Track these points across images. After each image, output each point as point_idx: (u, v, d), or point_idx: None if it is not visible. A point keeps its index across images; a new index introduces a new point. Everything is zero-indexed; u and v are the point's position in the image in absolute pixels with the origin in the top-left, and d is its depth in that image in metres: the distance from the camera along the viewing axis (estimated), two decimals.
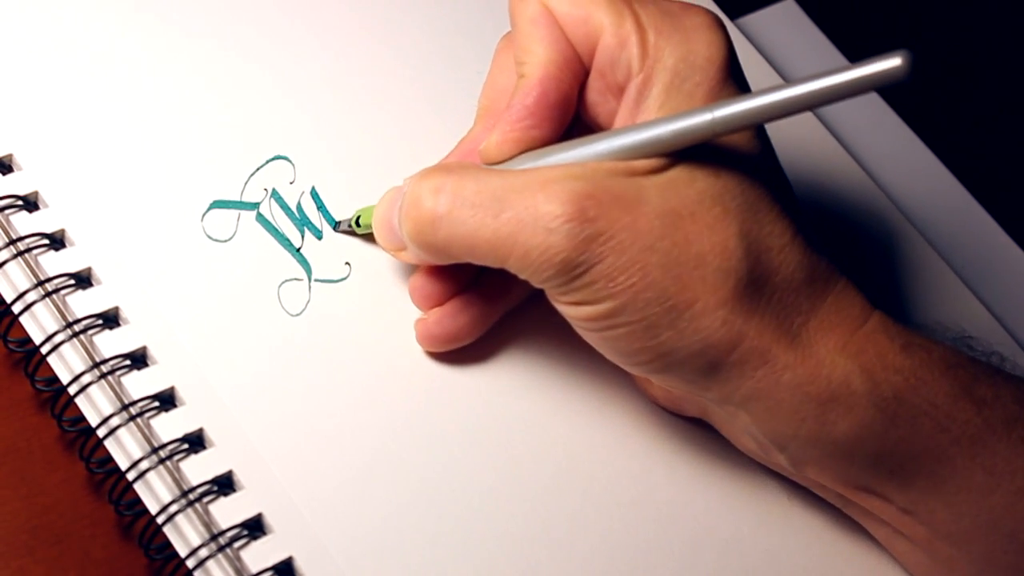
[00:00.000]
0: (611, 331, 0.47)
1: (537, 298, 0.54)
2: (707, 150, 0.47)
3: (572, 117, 0.50)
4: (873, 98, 0.67)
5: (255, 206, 0.54)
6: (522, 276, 0.47)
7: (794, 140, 0.51)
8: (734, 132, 0.46)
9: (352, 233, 0.54)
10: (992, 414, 0.48)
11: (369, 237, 0.54)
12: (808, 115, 0.62)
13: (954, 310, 0.59)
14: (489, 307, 0.52)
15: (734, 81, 0.48)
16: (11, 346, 0.50)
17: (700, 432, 0.53)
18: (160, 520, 0.47)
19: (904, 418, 0.47)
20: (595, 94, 0.50)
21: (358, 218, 0.53)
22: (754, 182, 0.47)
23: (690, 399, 0.51)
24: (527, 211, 0.46)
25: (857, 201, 0.61)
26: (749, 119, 0.44)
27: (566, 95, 0.49)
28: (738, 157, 0.47)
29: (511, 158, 0.49)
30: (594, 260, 0.46)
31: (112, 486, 0.48)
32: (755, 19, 0.68)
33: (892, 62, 0.41)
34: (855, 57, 0.67)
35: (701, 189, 0.46)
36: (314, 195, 0.54)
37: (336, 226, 0.54)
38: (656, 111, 0.48)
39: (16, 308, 0.50)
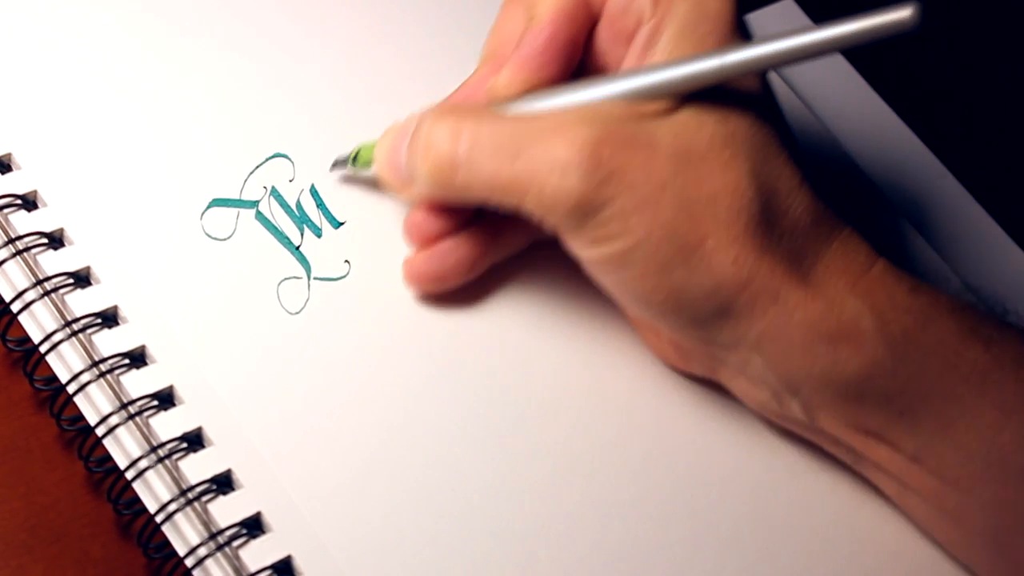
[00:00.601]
0: (625, 271, 0.48)
1: (534, 286, 0.54)
2: (715, 94, 0.48)
3: (579, 62, 0.51)
4: (869, 93, 0.67)
5: (254, 204, 0.54)
6: (536, 216, 0.48)
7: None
8: (743, 75, 0.47)
9: (343, 166, 0.54)
10: (1000, 351, 0.48)
11: (362, 182, 0.54)
12: (800, 108, 0.63)
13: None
14: (480, 250, 0.53)
15: (741, 34, 0.49)
16: (10, 345, 0.50)
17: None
18: (159, 519, 0.47)
19: (913, 356, 0.48)
20: (604, 42, 0.51)
21: (356, 155, 0.54)
22: (762, 127, 0.48)
23: (699, 356, 0.52)
24: (543, 155, 0.47)
25: (853, 197, 0.61)
26: (759, 64, 0.46)
27: (575, 38, 0.50)
28: (746, 102, 0.48)
29: (518, 98, 0.50)
30: (607, 200, 0.47)
31: (111, 485, 0.48)
32: (754, 18, 0.68)
33: (902, 12, 0.42)
34: (854, 57, 0.67)
35: (711, 132, 0.48)
36: (313, 193, 0.54)
37: (333, 165, 0.54)
38: (665, 56, 0.49)
39: (15, 307, 0.50)
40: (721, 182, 0.47)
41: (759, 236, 0.47)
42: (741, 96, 0.48)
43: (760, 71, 0.48)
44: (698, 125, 0.48)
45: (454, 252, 0.53)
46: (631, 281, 0.48)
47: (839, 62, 0.67)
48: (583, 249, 0.48)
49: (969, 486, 0.49)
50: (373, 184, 0.55)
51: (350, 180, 0.55)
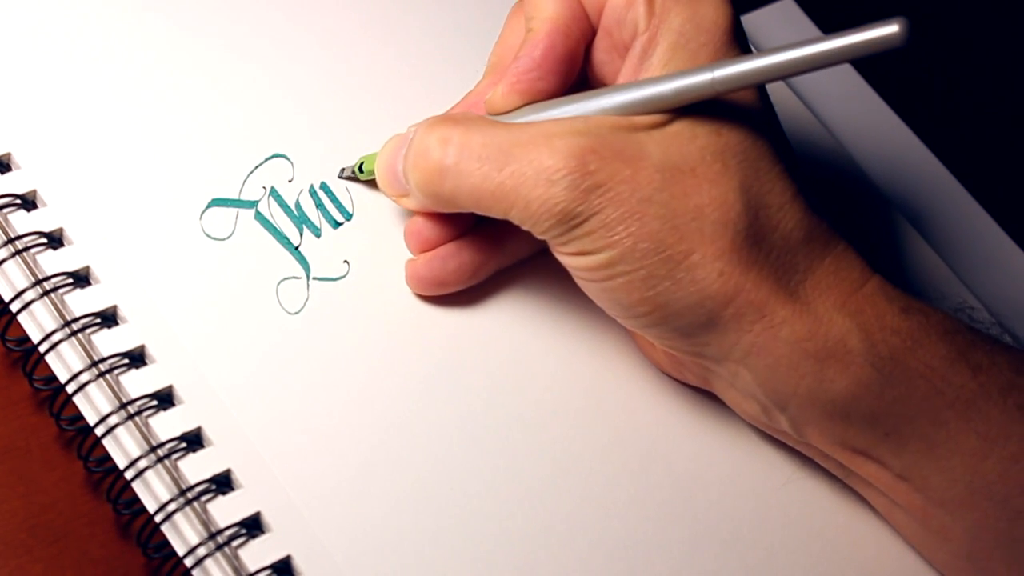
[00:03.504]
0: (610, 281, 0.48)
1: (534, 288, 0.54)
2: (710, 107, 0.48)
3: (577, 74, 0.51)
4: (869, 93, 0.67)
5: (254, 204, 0.54)
6: (524, 227, 0.48)
7: (791, 136, 0.51)
8: (734, 91, 0.47)
9: (354, 179, 0.55)
10: (988, 380, 0.48)
11: (372, 183, 0.54)
12: (801, 110, 0.63)
13: (950, 309, 0.59)
14: (481, 257, 0.53)
15: (738, 46, 0.49)
16: (9, 345, 0.50)
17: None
18: (158, 519, 0.47)
19: (900, 379, 0.48)
20: (601, 53, 0.51)
21: (360, 165, 0.54)
22: (756, 141, 0.48)
23: (692, 366, 0.52)
24: (530, 164, 0.47)
25: (852, 196, 0.61)
26: (749, 79, 0.46)
27: (572, 50, 0.50)
28: (741, 116, 0.48)
29: (515, 109, 0.50)
30: (593, 210, 0.47)
31: (110, 485, 0.48)
32: (754, 18, 0.68)
33: (889, 29, 0.42)
34: (856, 59, 0.67)
35: (702, 145, 0.47)
36: (313, 193, 0.54)
37: (340, 173, 0.55)
38: (660, 70, 0.48)
39: (14, 307, 0.50)
40: (708, 196, 0.47)
41: (746, 250, 0.47)
42: (736, 109, 0.48)
43: (750, 86, 0.48)
44: (690, 138, 0.48)
45: (455, 257, 0.53)
46: (616, 292, 0.48)
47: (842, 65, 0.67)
48: (568, 259, 0.48)
49: (953, 508, 0.49)
50: (373, 184, 0.55)
51: (350, 180, 0.55)
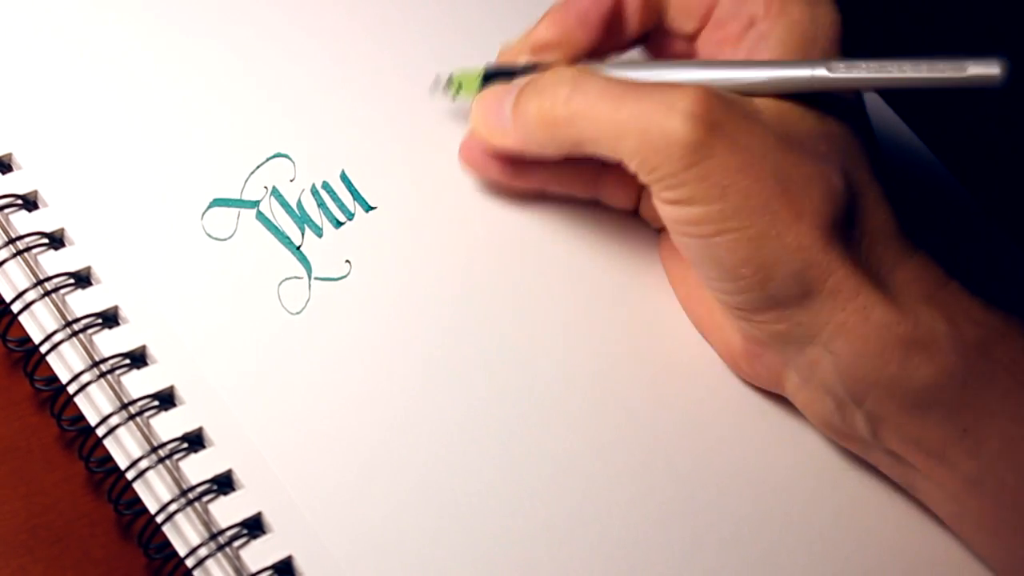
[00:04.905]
0: (717, 237, 0.48)
1: (534, 288, 0.54)
2: (816, 98, 0.49)
3: (619, 39, 0.53)
4: (869, 93, 0.67)
5: (255, 204, 0.54)
6: (635, 161, 0.48)
7: None
8: (843, 90, 0.49)
9: (441, 89, 0.56)
10: None
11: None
12: None
13: None
14: (527, 170, 0.54)
15: (840, 50, 0.50)
16: (10, 345, 0.50)
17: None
18: (159, 519, 0.47)
19: (984, 370, 0.48)
20: (710, 45, 0.52)
21: (457, 84, 0.55)
22: (856, 137, 0.49)
23: (769, 359, 0.51)
24: (657, 101, 0.47)
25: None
26: (861, 83, 0.48)
27: (618, 9, 0.52)
28: (844, 112, 0.50)
29: (616, 65, 0.51)
30: (711, 152, 0.47)
31: (111, 485, 0.48)
32: None
33: (992, 69, 0.45)
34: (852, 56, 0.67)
35: (810, 126, 0.49)
36: (314, 193, 0.54)
37: (435, 84, 0.56)
38: (775, 57, 0.50)
39: (15, 307, 0.50)
40: (817, 169, 0.48)
41: (847, 230, 0.48)
42: (840, 104, 0.50)
43: (859, 89, 0.50)
44: (800, 117, 0.49)
45: (498, 161, 0.54)
46: (720, 249, 0.48)
47: None
48: (674, 209, 0.48)
49: None
50: (373, 184, 0.55)
51: (355, 178, 0.55)
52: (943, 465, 0.49)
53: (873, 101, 0.66)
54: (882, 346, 0.48)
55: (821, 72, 0.48)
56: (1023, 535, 0.49)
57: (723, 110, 0.47)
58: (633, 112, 0.48)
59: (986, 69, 0.46)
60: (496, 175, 0.55)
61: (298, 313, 0.52)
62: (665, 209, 0.49)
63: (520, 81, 0.52)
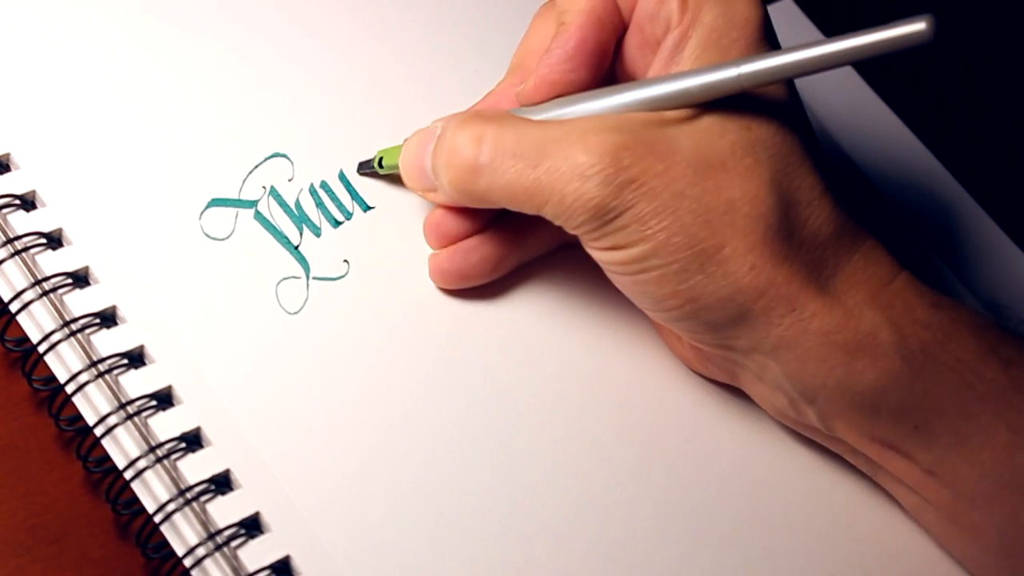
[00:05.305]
0: (643, 275, 0.48)
1: (534, 287, 0.54)
2: (739, 102, 0.48)
3: (607, 68, 0.52)
4: (869, 93, 0.67)
5: (253, 204, 0.54)
6: (558, 222, 0.49)
7: None
8: (762, 86, 0.47)
9: (373, 174, 0.55)
10: (1019, 374, 0.48)
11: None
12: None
13: None
14: (504, 250, 0.53)
15: (768, 43, 0.49)
16: (8, 345, 0.50)
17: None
18: (157, 519, 0.47)
19: (930, 372, 0.48)
20: (632, 48, 0.52)
21: (380, 160, 0.54)
22: (786, 136, 0.49)
23: (719, 360, 0.52)
24: (565, 161, 0.47)
25: (857, 202, 0.62)
26: (775, 75, 0.46)
27: (604, 44, 0.51)
28: (770, 110, 0.49)
29: (544, 104, 0.50)
30: (627, 205, 0.47)
31: (109, 485, 0.48)
32: None
33: (917, 26, 0.43)
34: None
35: (733, 140, 0.48)
36: (312, 192, 0.54)
37: (359, 168, 0.55)
38: (690, 64, 0.49)
39: (13, 307, 0.50)
40: (740, 191, 0.48)
41: (777, 244, 0.48)
42: (766, 103, 0.49)
43: (776, 81, 0.48)
44: (720, 132, 0.48)
45: (478, 251, 0.53)
46: (649, 285, 0.48)
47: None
48: (602, 253, 0.49)
49: (983, 503, 0.49)
50: (372, 184, 0.55)
51: (354, 178, 0.55)
52: (899, 457, 0.50)
53: (873, 101, 0.67)
54: (824, 353, 0.48)
55: (732, 72, 0.47)
56: (983, 525, 0.50)
57: (635, 158, 0.47)
58: (548, 173, 0.48)
59: (912, 27, 0.43)
60: (475, 278, 0.53)
61: (296, 313, 0.52)
62: (593, 252, 0.49)
63: (436, 129, 0.51)
